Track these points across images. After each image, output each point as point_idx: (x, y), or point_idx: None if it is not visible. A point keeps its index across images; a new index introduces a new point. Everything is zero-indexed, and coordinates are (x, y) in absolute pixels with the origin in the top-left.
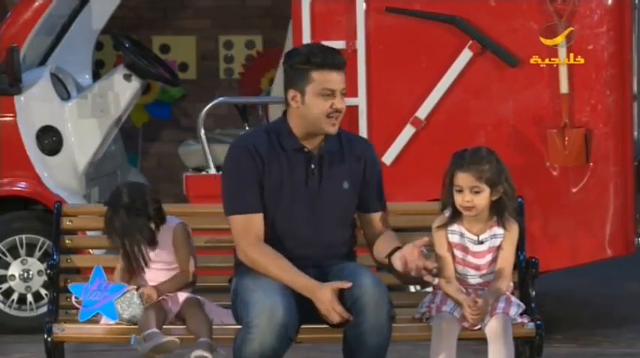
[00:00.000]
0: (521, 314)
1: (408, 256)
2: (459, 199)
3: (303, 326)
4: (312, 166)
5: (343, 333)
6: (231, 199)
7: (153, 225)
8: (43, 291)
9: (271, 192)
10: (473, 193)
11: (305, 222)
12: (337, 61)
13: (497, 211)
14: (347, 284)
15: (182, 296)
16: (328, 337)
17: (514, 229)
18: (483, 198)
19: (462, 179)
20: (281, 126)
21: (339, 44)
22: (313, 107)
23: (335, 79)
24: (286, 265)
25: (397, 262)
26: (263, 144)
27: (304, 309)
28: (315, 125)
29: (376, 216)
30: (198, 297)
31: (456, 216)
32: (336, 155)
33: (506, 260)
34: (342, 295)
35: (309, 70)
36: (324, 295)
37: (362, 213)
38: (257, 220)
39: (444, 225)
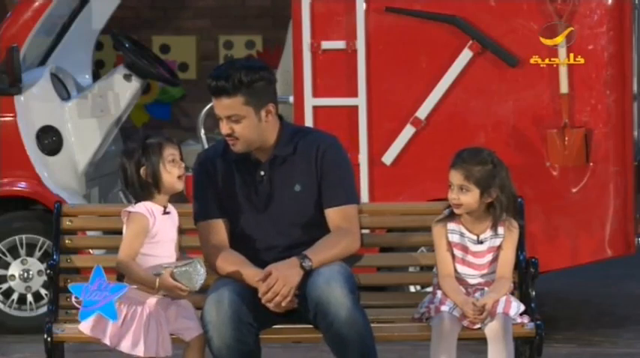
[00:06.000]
0: (521, 314)
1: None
2: (448, 195)
3: (303, 327)
4: (262, 173)
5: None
6: (196, 208)
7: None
8: (43, 291)
9: (225, 201)
10: (460, 192)
11: (262, 229)
12: (219, 87)
13: (492, 214)
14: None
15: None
16: None
17: (515, 230)
18: (470, 198)
19: (452, 176)
20: None
21: (339, 44)
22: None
23: (217, 106)
24: (239, 260)
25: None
26: (217, 155)
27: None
28: None
29: (330, 212)
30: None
31: (455, 213)
32: (287, 159)
33: (507, 260)
34: (304, 298)
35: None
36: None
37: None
38: (218, 226)
39: (442, 220)
